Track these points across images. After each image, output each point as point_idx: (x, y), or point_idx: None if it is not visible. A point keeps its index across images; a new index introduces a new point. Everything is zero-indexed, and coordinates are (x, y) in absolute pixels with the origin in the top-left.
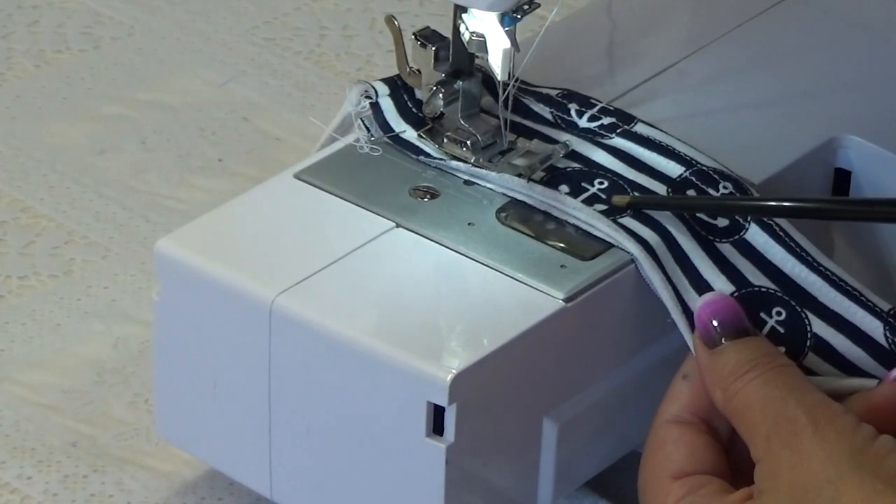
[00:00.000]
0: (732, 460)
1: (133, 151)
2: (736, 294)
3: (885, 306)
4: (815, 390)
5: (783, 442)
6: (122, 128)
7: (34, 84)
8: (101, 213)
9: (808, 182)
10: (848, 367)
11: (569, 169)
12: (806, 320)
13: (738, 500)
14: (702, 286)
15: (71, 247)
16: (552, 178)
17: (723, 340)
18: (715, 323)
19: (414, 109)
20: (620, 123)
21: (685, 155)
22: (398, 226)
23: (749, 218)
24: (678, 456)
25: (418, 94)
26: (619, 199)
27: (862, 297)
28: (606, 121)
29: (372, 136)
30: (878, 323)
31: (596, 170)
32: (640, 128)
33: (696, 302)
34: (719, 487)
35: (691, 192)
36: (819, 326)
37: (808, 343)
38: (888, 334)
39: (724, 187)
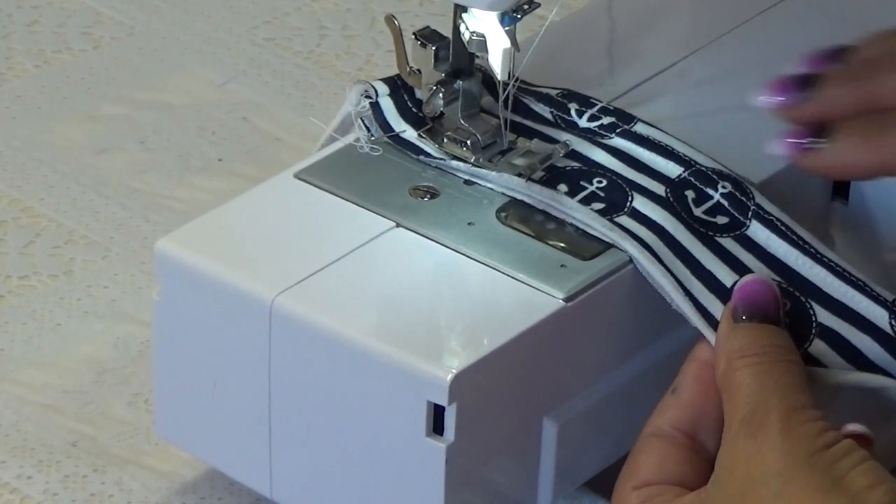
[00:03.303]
0: None
1: (133, 151)
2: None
3: (889, 296)
4: (805, 393)
5: (749, 432)
6: (122, 128)
7: (34, 84)
8: (101, 213)
9: (807, 182)
10: (854, 354)
11: (568, 168)
12: (811, 310)
13: (691, 498)
14: (704, 276)
15: (71, 247)
16: (551, 178)
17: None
18: (747, 303)
19: (414, 109)
20: (620, 123)
21: (684, 155)
22: (398, 226)
23: (749, 215)
24: (644, 467)
25: (418, 93)
26: None
27: (867, 287)
28: (606, 120)
29: (372, 135)
30: (882, 312)
31: (595, 169)
32: (639, 127)
33: (703, 292)
34: (676, 494)
35: (690, 193)
36: (824, 316)
37: (814, 331)
38: (893, 323)
39: (723, 187)
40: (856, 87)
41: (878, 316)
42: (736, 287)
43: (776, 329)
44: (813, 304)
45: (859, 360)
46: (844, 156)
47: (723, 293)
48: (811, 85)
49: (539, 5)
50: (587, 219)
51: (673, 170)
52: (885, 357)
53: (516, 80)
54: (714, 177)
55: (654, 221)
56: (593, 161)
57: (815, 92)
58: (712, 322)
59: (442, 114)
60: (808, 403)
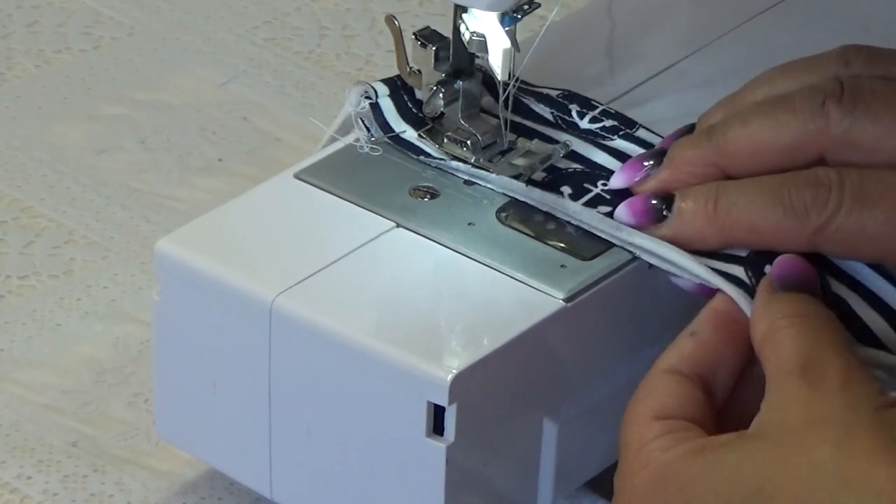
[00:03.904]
0: (723, 423)
1: (133, 151)
2: (751, 255)
3: None
4: (855, 353)
5: (808, 380)
6: (122, 128)
7: (34, 84)
8: (101, 213)
9: None
10: (862, 330)
11: (570, 169)
12: (825, 280)
13: (731, 438)
14: (718, 255)
15: (71, 247)
16: (554, 179)
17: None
18: (786, 276)
19: (414, 109)
20: (622, 127)
21: None
22: (398, 226)
23: None
24: (665, 399)
25: (418, 94)
26: None
27: (879, 266)
28: (608, 123)
29: (372, 136)
30: (892, 288)
31: (598, 171)
32: (641, 133)
33: (719, 264)
34: (700, 433)
35: None
36: (836, 286)
37: (826, 299)
38: None
39: None
40: (701, 145)
41: (890, 295)
42: (774, 262)
43: (816, 299)
44: (826, 276)
45: (867, 337)
46: (684, 226)
47: (741, 260)
48: (661, 156)
49: (539, 5)
50: (593, 221)
51: None
52: (891, 334)
53: (516, 81)
54: None
55: None
56: (595, 163)
57: (664, 159)
58: (731, 279)
59: (442, 114)
60: (861, 363)
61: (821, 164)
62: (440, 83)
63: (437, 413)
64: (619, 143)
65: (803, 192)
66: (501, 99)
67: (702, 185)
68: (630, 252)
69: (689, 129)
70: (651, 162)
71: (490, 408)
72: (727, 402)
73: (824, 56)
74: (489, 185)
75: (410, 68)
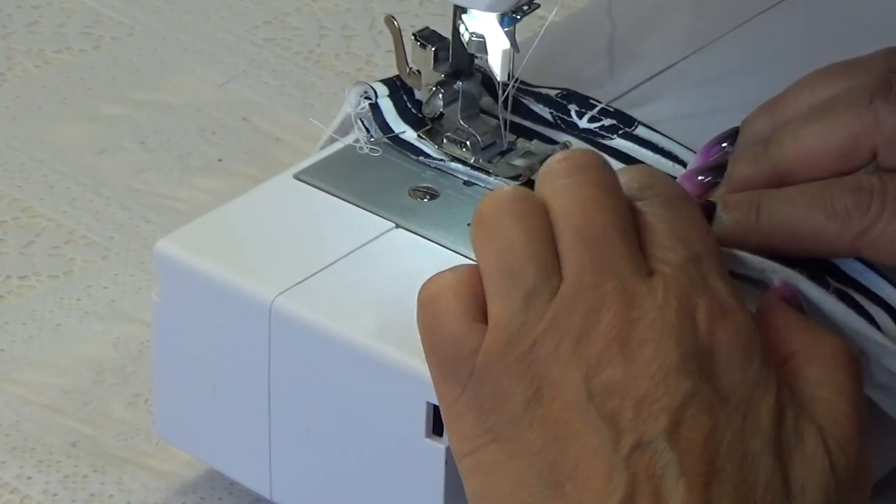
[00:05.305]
0: None
1: (133, 151)
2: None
3: None
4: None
5: None
6: (122, 128)
7: (34, 84)
8: (101, 213)
9: None
10: (868, 319)
11: None
12: (826, 281)
13: None
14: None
15: (71, 247)
16: None
17: None
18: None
19: (413, 110)
20: (621, 126)
21: (686, 161)
22: (398, 226)
23: None
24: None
25: (418, 94)
26: None
27: (878, 267)
28: (607, 122)
29: (371, 136)
30: (891, 288)
31: None
32: (640, 131)
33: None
34: None
35: None
36: (838, 285)
37: (830, 291)
38: None
39: None
40: (757, 163)
41: (888, 292)
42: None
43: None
44: (828, 277)
45: (873, 326)
46: (726, 234)
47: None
48: (717, 172)
49: (539, 6)
50: None
51: (678, 171)
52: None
53: (516, 81)
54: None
55: None
56: None
57: (723, 176)
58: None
59: (441, 114)
60: None
61: (875, 166)
62: (439, 84)
63: (437, 413)
64: (618, 143)
65: (845, 196)
66: (501, 99)
67: (743, 192)
68: None
69: (733, 133)
70: (708, 178)
71: None
72: None
73: (868, 58)
74: (489, 186)
75: (410, 69)
